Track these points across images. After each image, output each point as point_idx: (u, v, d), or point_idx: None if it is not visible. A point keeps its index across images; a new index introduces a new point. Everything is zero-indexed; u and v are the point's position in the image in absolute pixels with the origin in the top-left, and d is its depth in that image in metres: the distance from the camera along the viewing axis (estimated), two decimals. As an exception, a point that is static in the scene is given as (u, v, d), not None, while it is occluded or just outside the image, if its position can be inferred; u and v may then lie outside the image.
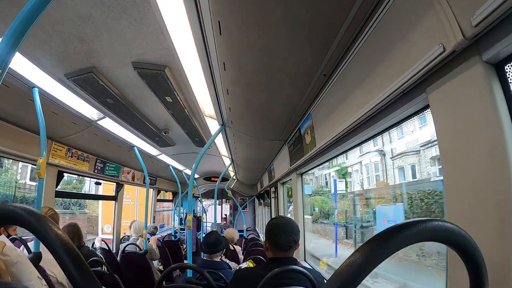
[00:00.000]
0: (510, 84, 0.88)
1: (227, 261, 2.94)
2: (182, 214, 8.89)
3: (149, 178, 5.20)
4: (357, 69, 1.58)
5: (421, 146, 3.22)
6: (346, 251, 4.89)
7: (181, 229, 8.22)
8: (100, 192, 6.21)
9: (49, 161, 3.63)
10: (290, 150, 3.59)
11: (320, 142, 2.39)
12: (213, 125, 3.84)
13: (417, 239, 0.43)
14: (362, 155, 4.71)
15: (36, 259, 2.08)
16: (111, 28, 1.92)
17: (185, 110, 3.28)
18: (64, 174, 4.05)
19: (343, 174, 5.50)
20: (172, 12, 1.62)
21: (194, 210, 11.26)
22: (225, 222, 12.44)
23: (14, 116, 2.98)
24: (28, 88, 2.43)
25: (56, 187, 3.89)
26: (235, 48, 1.75)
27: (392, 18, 1.20)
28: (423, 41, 1.04)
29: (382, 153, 4.20)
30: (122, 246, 4.50)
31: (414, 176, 3.48)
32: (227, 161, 6.67)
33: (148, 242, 4.60)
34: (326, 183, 6.30)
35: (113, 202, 5.83)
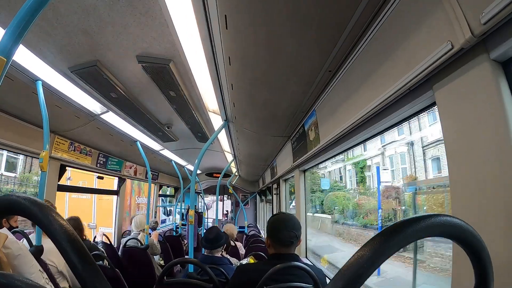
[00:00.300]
0: None
1: (228, 257, 2.95)
2: (184, 210, 8.94)
3: (151, 173, 5.21)
4: (363, 66, 1.56)
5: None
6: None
7: (183, 224, 8.25)
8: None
9: (52, 154, 3.64)
10: (294, 147, 3.58)
11: (324, 139, 2.38)
12: (217, 121, 3.84)
13: (425, 234, 0.43)
14: (384, 145, 4.24)
15: (37, 252, 2.09)
16: (116, 21, 1.91)
17: (189, 105, 3.27)
18: (66, 168, 4.07)
19: (361, 167, 4.98)
20: (178, 5, 1.61)
21: (195, 205, 11.29)
22: (226, 218, 12.49)
23: (17, 109, 2.98)
24: (32, 81, 2.43)
25: (59, 181, 3.91)
26: (241, 42, 1.74)
27: (400, 15, 1.19)
28: (431, 38, 1.03)
29: (409, 143, 3.70)
30: (123, 240, 4.52)
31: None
32: (230, 157, 6.67)
33: (150, 236, 4.62)
34: (341, 177, 5.75)
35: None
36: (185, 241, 6.86)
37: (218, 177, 6.45)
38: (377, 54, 1.41)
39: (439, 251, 2.79)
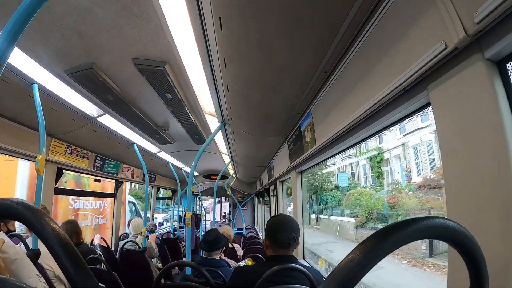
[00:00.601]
0: None
1: (226, 259, 2.94)
2: (181, 212, 8.91)
3: (148, 176, 5.20)
4: (358, 67, 1.57)
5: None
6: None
7: (180, 227, 8.23)
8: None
9: (49, 157, 3.62)
10: (290, 148, 3.58)
11: (320, 140, 2.38)
12: (213, 123, 3.83)
13: (418, 237, 0.43)
14: (406, 134, 3.83)
15: (34, 256, 2.07)
16: (111, 24, 1.91)
17: (185, 107, 3.27)
18: (64, 171, 4.05)
19: (378, 162, 4.53)
20: (173, 8, 1.61)
21: (193, 208, 11.28)
22: (224, 220, 12.45)
23: (13, 112, 2.97)
24: (28, 84, 2.42)
25: (56, 184, 3.88)
26: (235, 44, 1.74)
27: (394, 15, 1.19)
28: (425, 38, 1.03)
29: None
30: (121, 243, 4.50)
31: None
32: (227, 159, 6.67)
33: (147, 239, 4.61)
34: (353, 174, 5.29)
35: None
36: (183, 244, 6.84)
37: (216, 179, 6.44)
38: (372, 55, 1.41)
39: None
